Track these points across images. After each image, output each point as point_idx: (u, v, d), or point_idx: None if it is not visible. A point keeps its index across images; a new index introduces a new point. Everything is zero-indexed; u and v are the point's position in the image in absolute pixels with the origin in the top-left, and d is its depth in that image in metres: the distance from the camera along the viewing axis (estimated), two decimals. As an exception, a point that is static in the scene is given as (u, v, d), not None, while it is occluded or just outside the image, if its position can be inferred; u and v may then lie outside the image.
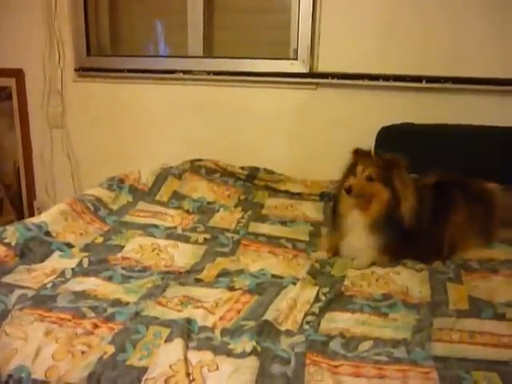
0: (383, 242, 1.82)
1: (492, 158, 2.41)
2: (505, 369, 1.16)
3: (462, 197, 1.97)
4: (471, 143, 2.47)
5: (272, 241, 1.99)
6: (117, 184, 2.32)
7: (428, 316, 1.43)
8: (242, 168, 2.64)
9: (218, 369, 1.17)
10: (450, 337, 1.31)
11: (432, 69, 2.60)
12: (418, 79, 2.60)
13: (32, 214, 3.38)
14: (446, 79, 2.57)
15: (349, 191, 1.78)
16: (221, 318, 1.40)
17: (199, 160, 2.66)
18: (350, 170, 1.88)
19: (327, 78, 2.72)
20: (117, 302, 1.46)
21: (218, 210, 2.30)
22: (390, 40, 2.64)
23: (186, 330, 1.30)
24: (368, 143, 2.62)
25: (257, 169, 2.65)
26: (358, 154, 1.89)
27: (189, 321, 1.36)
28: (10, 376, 1.18)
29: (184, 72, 2.92)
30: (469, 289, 1.59)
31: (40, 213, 3.34)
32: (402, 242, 1.82)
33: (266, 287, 1.59)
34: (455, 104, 2.63)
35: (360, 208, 1.84)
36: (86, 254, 1.78)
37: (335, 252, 1.90)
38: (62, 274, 1.62)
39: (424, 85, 2.60)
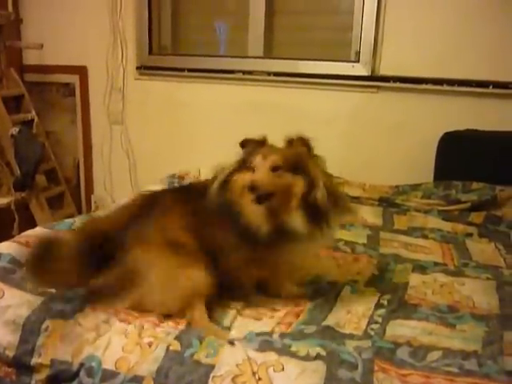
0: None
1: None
2: None
3: None
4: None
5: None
6: (178, 181, 2.35)
7: (498, 329, 1.38)
8: (300, 170, 2.63)
9: (283, 369, 1.16)
10: (523, 352, 1.26)
11: (499, 74, 2.53)
12: (484, 84, 2.53)
13: (89, 209, 3.47)
14: (514, 85, 2.49)
15: (252, 189, 1.33)
16: (278, 323, 1.40)
17: (256, 160, 2.66)
18: (243, 166, 1.44)
19: (389, 81, 2.68)
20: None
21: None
22: (455, 44, 2.59)
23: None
24: (429, 149, 2.61)
25: (314, 171, 2.62)
26: (251, 143, 1.50)
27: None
28: (81, 364, 1.21)
29: (244, 72, 2.94)
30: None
31: (97, 207, 3.45)
32: None
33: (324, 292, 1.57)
34: (522, 111, 2.55)
35: (274, 213, 1.38)
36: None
37: None
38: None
39: (491, 90, 2.52)
